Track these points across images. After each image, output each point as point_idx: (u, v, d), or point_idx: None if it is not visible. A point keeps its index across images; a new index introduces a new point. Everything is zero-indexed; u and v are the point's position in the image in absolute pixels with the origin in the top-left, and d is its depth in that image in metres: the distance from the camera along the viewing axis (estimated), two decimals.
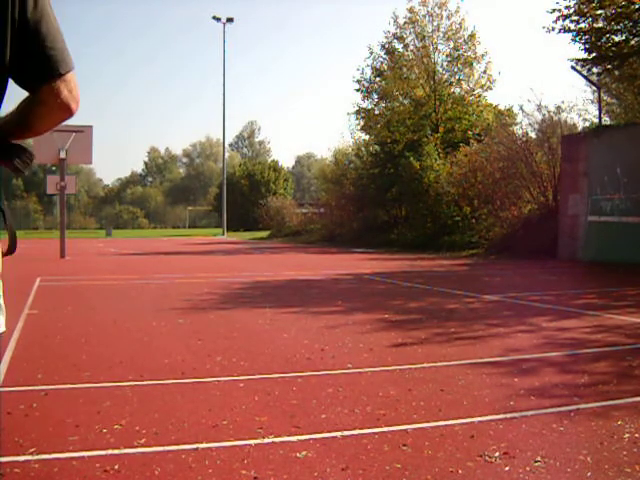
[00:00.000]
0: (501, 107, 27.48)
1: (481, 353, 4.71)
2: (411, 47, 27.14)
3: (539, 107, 19.58)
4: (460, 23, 26.45)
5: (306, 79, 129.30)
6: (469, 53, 26.64)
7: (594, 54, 14.51)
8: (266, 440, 2.86)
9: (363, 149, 29.89)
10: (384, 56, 27.76)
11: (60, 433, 2.95)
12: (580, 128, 19.44)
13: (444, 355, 4.64)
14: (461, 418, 3.15)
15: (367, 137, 29.87)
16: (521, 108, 26.59)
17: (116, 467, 2.56)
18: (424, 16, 26.62)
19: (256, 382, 3.91)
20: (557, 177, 17.58)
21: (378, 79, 28.04)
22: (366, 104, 28.63)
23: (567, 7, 14.13)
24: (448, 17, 26.48)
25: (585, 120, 20.64)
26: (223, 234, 42.67)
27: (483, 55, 26.71)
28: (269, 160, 69.51)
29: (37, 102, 1.46)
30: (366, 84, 28.36)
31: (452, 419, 3.14)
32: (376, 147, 28.38)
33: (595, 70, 15.91)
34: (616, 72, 15.55)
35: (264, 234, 39.14)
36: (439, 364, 4.37)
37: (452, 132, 26.23)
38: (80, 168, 69.03)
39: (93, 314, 6.94)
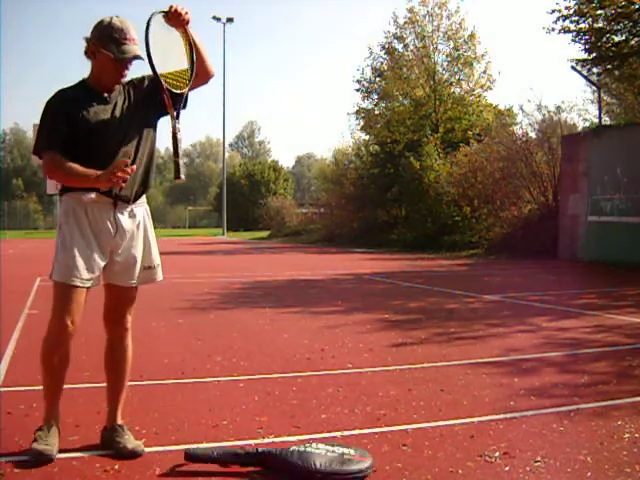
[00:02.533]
0: (501, 107, 27.44)
1: (481, 353, 4.71)
2: (411, 47, 27.11)
3: (539, 107, 19.60)
4: (460, 23, 26.42)
5: (306, 79, 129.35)
6: (469, 53, 26.61)
7: (594, 54, 14.48)
8: (266, 440, 2.86)
9: (363, 149, 29.85)
10: (384, 56, 27.72)
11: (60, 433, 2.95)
12: (580, 128, 19.44)
13: (444, 355, 4.65)
14: (461, 418, 3.15)
15: (367, 137, 29.85)
16: (521, 108, 26.55)
17: (116, 467, 2.56)
18: (424, 16, 26.59)
19: (256, 382, 3.91)
20: (557, 177, 17.58)
21: (378, 79, 28.00)
22: (366, 104, 28.61)
23: (567, 7, 14.12)
24: (448, 17, 26.46)
25: (585, 120, 20.65)
26: (223, 234, 42.62)
27: (483, 55, 26.69)
28: (269, 160, 69.39)
29: None
30: (366, 84, 28.33)
31: (452, 419, 3.14)
32: (376, 147, 28.35)
33: (595, 70, 15.88)
34: (616, 72, 15.51)
35: (264, 234, 39.11)
36: (439, 364, 4.37)
37: (452, 132, 26.21)
38: None
39: (93, 314, 6.92)
